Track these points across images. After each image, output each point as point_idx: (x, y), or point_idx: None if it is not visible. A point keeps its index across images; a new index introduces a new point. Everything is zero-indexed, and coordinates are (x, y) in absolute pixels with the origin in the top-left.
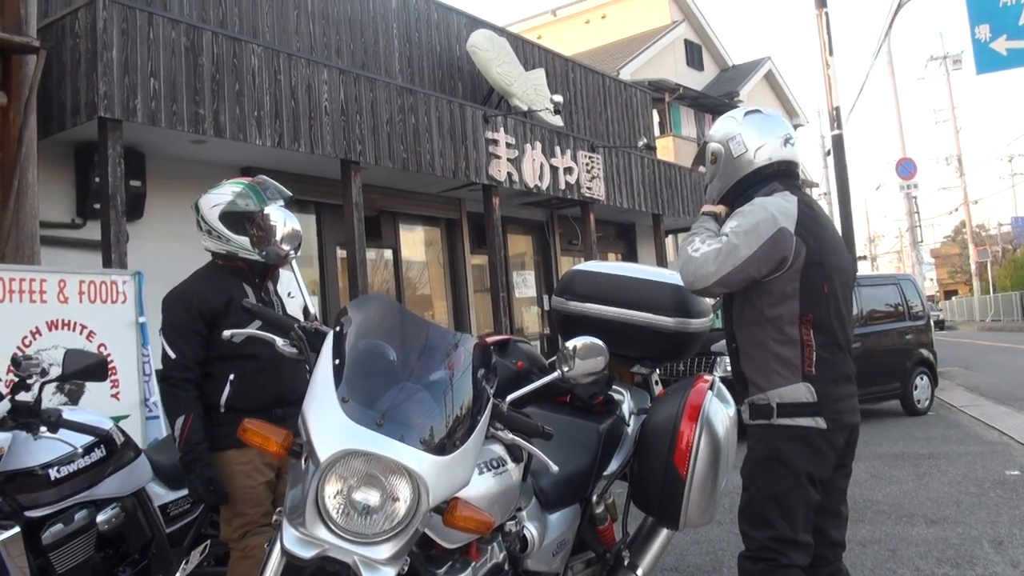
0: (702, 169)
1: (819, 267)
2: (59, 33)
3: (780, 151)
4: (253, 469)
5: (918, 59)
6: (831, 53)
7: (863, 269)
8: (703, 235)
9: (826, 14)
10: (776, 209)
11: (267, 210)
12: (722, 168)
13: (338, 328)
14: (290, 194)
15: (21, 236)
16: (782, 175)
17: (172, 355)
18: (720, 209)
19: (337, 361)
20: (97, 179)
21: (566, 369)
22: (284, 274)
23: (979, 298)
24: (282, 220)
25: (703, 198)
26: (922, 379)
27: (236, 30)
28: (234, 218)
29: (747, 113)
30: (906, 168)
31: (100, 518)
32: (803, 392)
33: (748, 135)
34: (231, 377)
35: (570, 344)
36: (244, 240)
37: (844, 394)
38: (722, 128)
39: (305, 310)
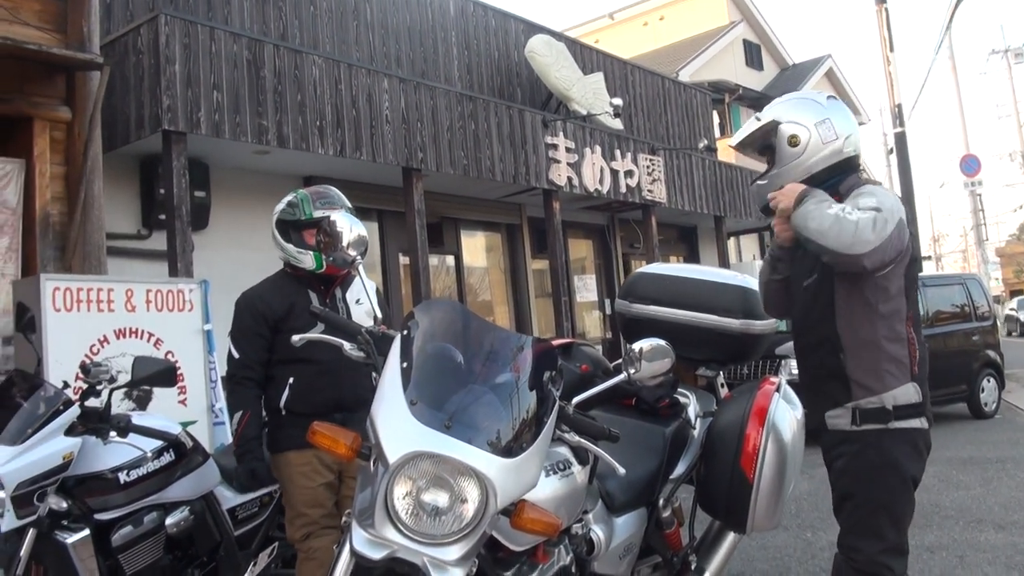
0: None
1: (915, 263)
2: (122, 49)
3: (859, 143)
4: (312, 470)
5: (979, 53)
6: (892, 49)
7: (928, 269)
8: (839, 205)
9: (886, 10)
10: (896, 199)
11: (333, 216)
12: (807, 152)
13: (405, 332)
14: (348, 203)
15: (88, 247)
16: (857, 168)
17: (236, 355)
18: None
19: (405, 364)
20: (162, 190)
21: (632, 371)
22: (355, 281)
23: None
24: (348, 226)
25: (753, 188)
26: (989, 381)
27: (297, 42)
28: (285, 226)
29: (829, 97)
30: (970, 165)
31: (169, 521)
32: (912, 393)
33: (837, 121)
34: (290, 380)
35: (636, 346)
36: (291, 248)
37: (928, 392)
38: (805, 110)
39: (376, 318)
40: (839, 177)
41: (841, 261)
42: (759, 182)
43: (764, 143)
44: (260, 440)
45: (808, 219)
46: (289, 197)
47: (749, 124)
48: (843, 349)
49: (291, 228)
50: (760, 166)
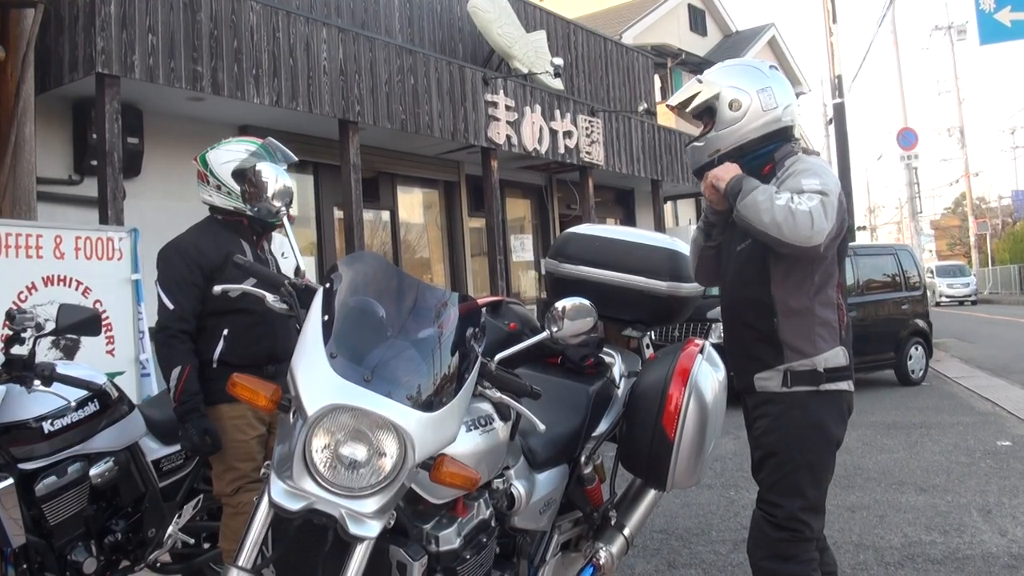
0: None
1: (849, 231)
2: None
3: (796, 115)
4: (245, 424)
5: (922, 29)
6: (835, 20)
7: (862, 239)
8: (783, 192)
9: None
10: (834, 174)
11: (259, 166)
12: (745, 119)
13: (328, 285)
14: (295, 158)
15: (18, 191)
16: (792, 138)
17: (170, 306)
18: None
19: (326, 317)
20: (94, 135)
21: (555, 329)
22: (277, 235)
23: (977, 271)
24: (274, 176)
25: (688, 149)
26: (917, 349)
27: None
28: (245, 176)
29: (771, 67)
30: (907, 139)
31: (93, 471)
32: (841, 356)
33: (778, 91)
34: (224, 332)
35: (559, 305)
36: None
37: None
38: (748, 76)
39: (296, 270)
40: (775, 145)
41: (797, 251)
42: (695, 144)
43: (703, 106)
44: (202, 395)
45: (760, 212)
46: (248, 147)
47: (690, 87)
48: (777, 313)
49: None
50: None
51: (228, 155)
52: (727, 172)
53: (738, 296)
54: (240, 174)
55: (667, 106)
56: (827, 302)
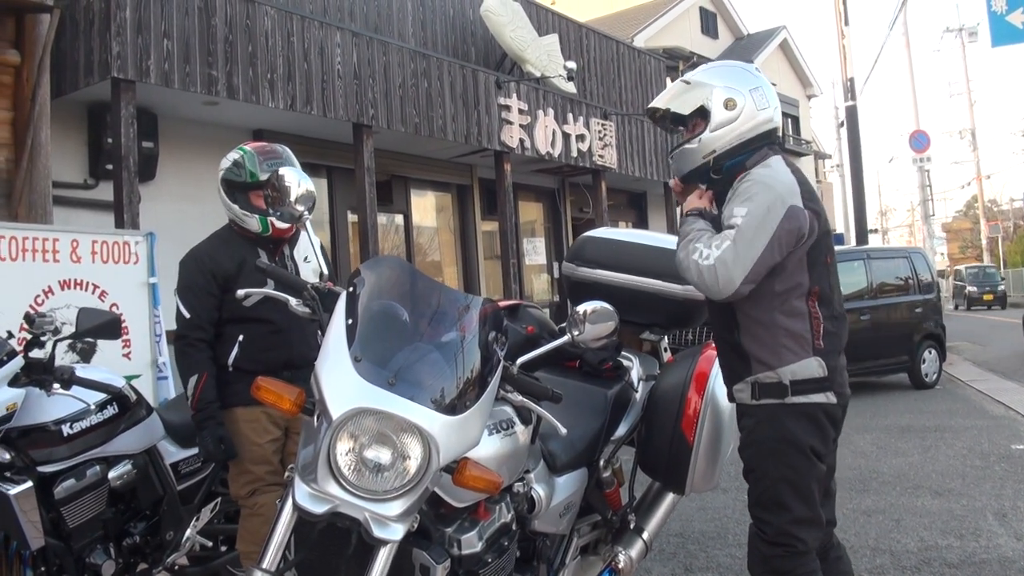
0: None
1: (825, 237)
2: None
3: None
4: (260, 427)
5: (934, 31)
6: (846, 23)
7: (874, 242)
8: (703, 238)
9: None
10: (782, 188)
11: (281, 171)
12: (741, 118)
13: (351, 289)
14: (296, 162)
15: (34, 196)
16: (776, 141)
17: (187, 315)
18: (706, 203)
19: (350, 321)
20: (110, 140)
21: (576, 333)
22: (303, 239)
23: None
24: (296, 181)
25: (676, 152)
26: (930, 353)
27: None
28: (231, 186)
29: (758, 68)
30: (919, 141)
31: (112, 474)
32: (815, 367)
33: (768, 91)
34: (240, 338)
35: (580, 308)
36: (237, 209)
37: (843, 366)
38: (737, 76)
39: (321, 275)
40: (746, 155)
41: (722, 300)
42: (686, 147)
43: (695, 106)
44: (219, 403)
45: (683, 271)
46: (234, 155)
47: (676, 87)
48: (738, 326)
49: (236, 189)
50: None
51: (224, 163)
52: (688, 206)
53: (713, 308)
54: (225, 183)
55: (648, 109)
56: (792, 313)
